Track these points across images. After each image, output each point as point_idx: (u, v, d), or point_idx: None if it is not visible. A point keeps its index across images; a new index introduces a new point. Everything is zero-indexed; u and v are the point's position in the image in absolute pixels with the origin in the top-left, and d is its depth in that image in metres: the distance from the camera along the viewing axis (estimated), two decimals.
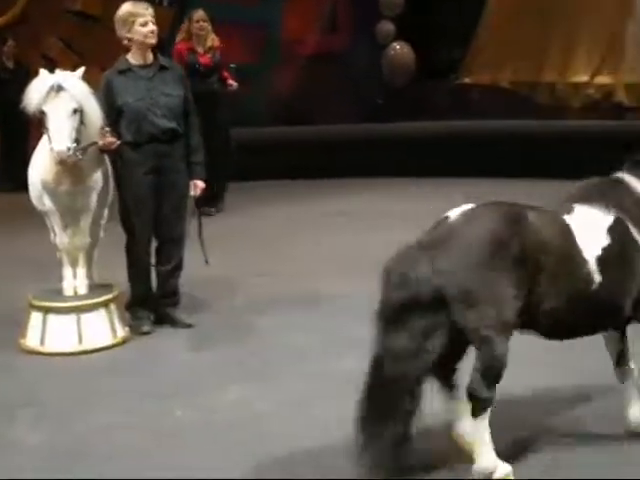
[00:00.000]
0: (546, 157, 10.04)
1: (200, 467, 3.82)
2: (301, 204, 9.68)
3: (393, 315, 3.37)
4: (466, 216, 3.44)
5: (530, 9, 11.83)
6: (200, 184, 5.65)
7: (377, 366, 3.45)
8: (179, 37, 8.94)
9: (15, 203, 7.95)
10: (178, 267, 5.69)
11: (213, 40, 8.92)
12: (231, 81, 9.03)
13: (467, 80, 12.39)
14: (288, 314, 5.87)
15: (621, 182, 3.74)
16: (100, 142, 5.29)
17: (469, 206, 3.50)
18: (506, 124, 10.96)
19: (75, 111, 5.11)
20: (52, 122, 5.07)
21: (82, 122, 5.15)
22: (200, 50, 8.83)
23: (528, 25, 11.74)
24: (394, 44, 12.54)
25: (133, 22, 5.43)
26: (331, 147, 11.03)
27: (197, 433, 4.17)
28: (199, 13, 8.98)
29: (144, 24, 5.44)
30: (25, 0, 12.37)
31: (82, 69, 5.32)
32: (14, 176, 9.66)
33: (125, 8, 5.50)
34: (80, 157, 5.17)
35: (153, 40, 5.51)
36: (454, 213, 3.50)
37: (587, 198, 3.68)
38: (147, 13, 5.49)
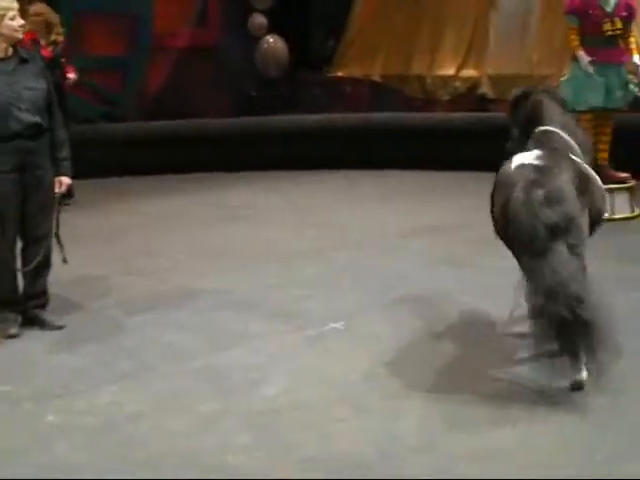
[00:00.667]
0: (417, 149, 10.25)
1: (75, 470, 3.74)
2: (172, 199, 9.54)
3: (541, 247, 4.21)
4: (551, 159, 4.46)
5: (398, 1, 12.01)
6: (66, 180, 5.50)
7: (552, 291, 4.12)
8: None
9: None
10: (45, 266, 5.51)
11: (57, 34, 8.85)
12: (70, 74, 8.97)
13: (339, 73, 12.48)
14: (161, 312, 5.78)
15: (551, 132, 4.79)
16: None
17: (540, 152, 4.49)
18: (378, 117, 11.11)
19: None
20: None
21: None
22: (43, 43, 8.71)
23: (397, 18, 11.90)
24: (267, 37, 12.54)
25: (3, 16, 5.28)
26: (204, 141, 10.93)
27: (70, 436, 4.06)
28: (35, 7, 8.85)
29: (13, 18, 5.32)
30: None
31: None
32: None
33: None
34: None
35: (21, 34, 5.41)
36: (533, 159, 4.45)
37: (541, 144, 4.67)
38: (15, 7, 5.37)
